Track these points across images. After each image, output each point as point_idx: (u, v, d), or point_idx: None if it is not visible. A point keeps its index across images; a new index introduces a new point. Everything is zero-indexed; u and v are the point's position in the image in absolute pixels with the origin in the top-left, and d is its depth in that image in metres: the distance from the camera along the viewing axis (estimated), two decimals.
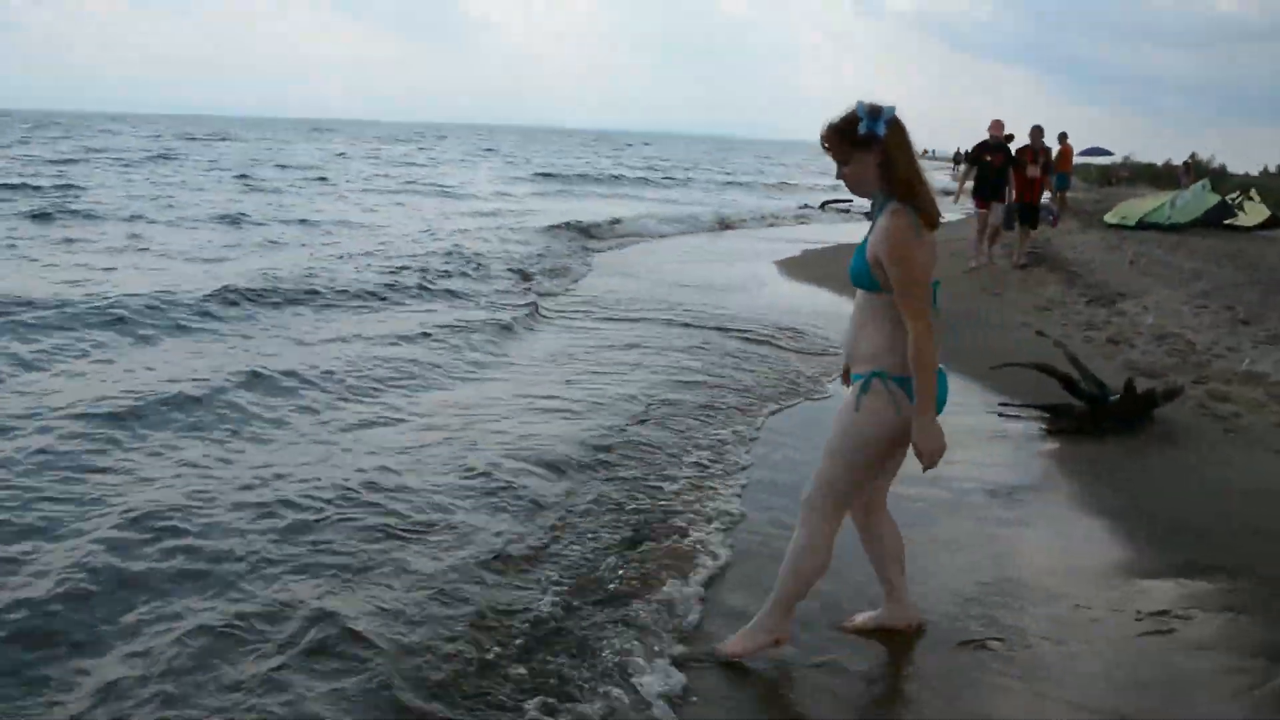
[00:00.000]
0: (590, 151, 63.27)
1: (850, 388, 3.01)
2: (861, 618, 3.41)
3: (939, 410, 2.88)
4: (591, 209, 21.99)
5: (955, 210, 25.73)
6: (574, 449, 5.22)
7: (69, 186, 20.09)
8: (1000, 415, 6.22)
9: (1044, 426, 5.98)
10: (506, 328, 8.54)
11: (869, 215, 2.96)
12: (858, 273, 2.91)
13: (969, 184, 13.35)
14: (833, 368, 7.25)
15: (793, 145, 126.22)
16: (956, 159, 61.96)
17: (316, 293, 9.53)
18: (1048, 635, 3.42)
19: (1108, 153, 47.08)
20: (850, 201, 26.46)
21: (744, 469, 5.15)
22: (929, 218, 2.84)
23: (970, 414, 6.28)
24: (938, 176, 48.62)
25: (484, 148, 56.67)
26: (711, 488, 4.81)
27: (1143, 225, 18.58)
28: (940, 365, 2.89)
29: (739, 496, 4.72)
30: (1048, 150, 13.30)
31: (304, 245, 13.36)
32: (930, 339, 2.79)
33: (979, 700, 3.05)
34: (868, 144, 2.80)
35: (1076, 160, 35.79)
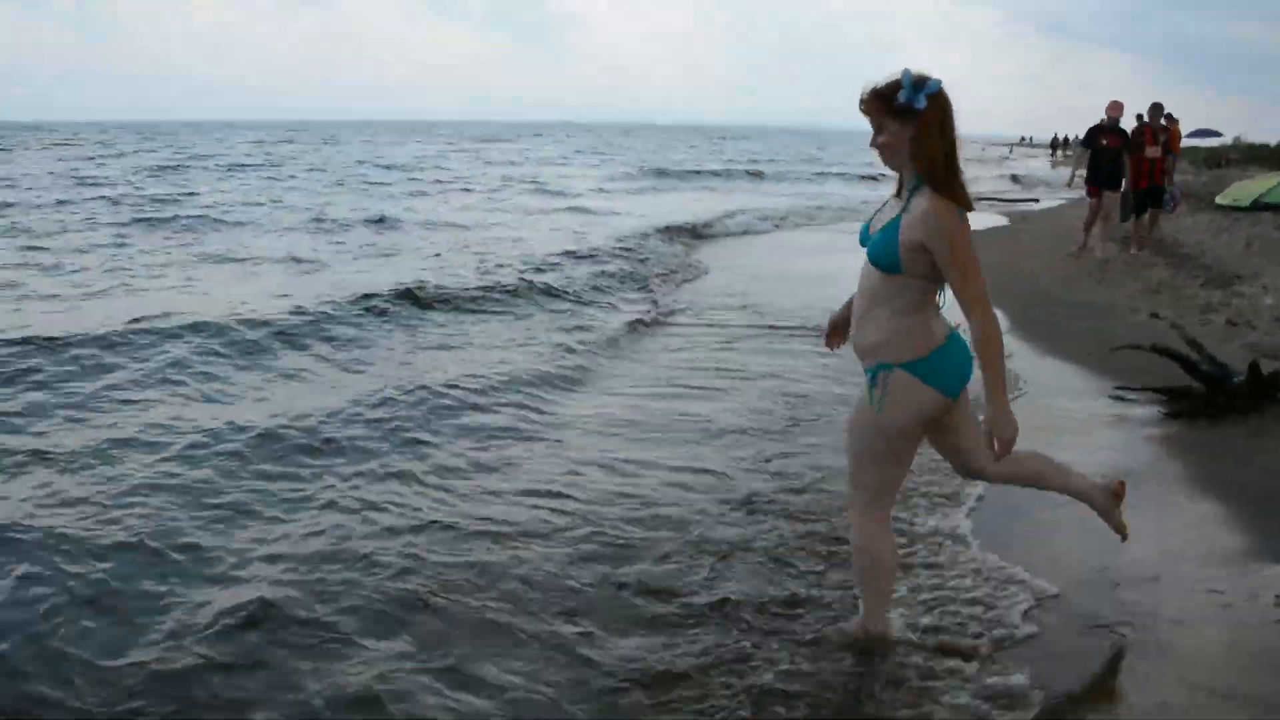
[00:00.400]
0: (689, 146, 62.53)
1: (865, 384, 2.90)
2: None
3: (964, 382, 2.84)
4: (709, 204, 21.96)
5: (1055, 197, 25.13)
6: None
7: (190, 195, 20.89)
8: (1117, 399, 6.02)
9: (1162, 409, 5.77)
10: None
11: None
12: (883, 252, 2.77)
13: (1081, 171, 12.48)
14: None
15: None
16: (1054, 145, 60.36)
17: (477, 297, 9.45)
18: (1180, 619, 3.31)
19: (1216, 134, 45.20)
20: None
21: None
22: (967, 203, 2.74)
23: (1086, 399, 6.11)
24: (1033, 164, 47.68)
25: (583, 147, 55.35)
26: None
27: (1258, 206, 17.73)
28: (954, 330, 2.83)
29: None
30: (1168, 129, 12.15)
31: (438, 254, 12.90)
32: (997, 325, 2.70)
33: (1116, 683, 2.97)
34: (905, 115, 2.69)
35: (1184, 143, 34.51)
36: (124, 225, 15.42)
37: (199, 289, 10.02)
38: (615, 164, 38.85)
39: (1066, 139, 58.86)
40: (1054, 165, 47.41)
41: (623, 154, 49.19)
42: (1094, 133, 12.03)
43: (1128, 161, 11.87)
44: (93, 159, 35.03)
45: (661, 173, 34.18)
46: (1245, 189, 19.33)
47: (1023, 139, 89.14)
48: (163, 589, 3.48)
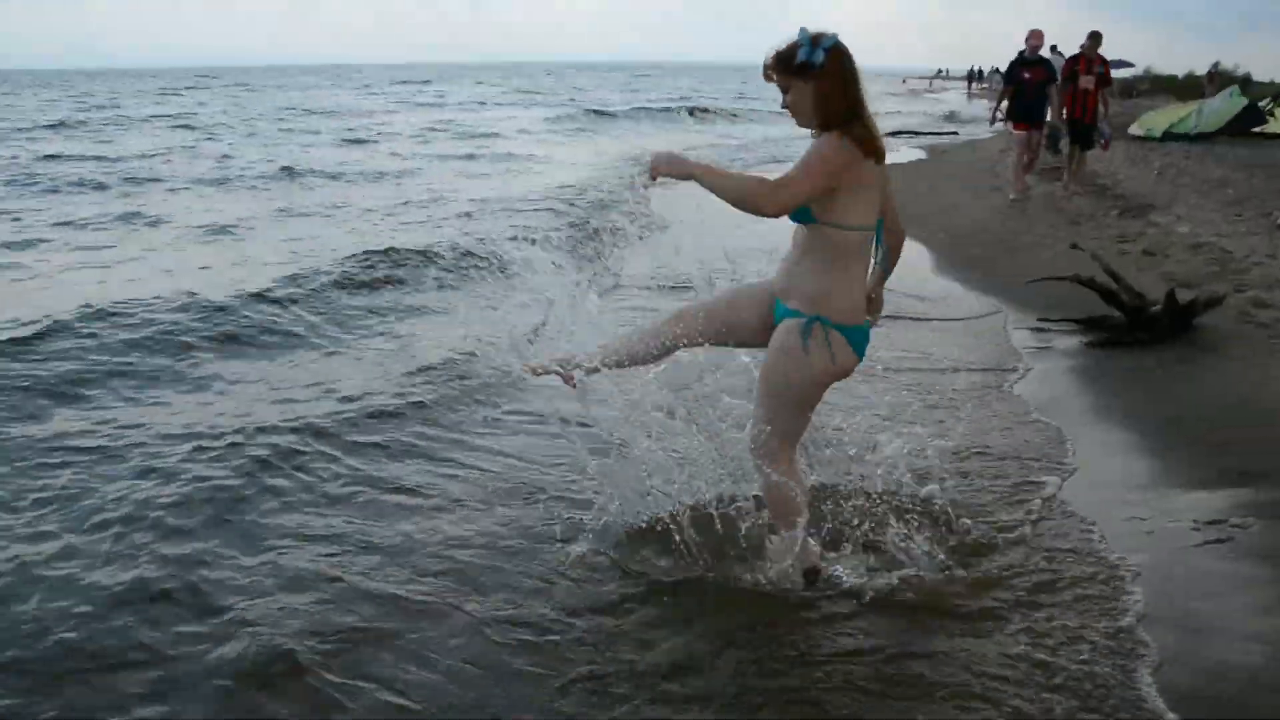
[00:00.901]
0: (620, 85, 60.31)
1: (783, 323, 2.93)
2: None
3: (860, 358, 2.96)
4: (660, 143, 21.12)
5: (981, 130, 25.35)
6: None
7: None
8: (1039, 330, 6.11)
9: (1083, 340, 5.86)
10: None
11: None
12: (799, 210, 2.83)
13: (1003, 108, 11.82)
14: None
15: None
16: (970, 77, 60.86)
17: None
18: (1106, 549, 3.36)
19: (1128, 64, 46.06)
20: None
21: None
22: (870, 145, 2.77)
23: (1009, 331, 6.20)
24: (951, 96, 48.08)
25: (509, 89, 51.29)
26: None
27: (1169, 136, 18.20)
28: (869, 320, 3.00)
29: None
30: (1104, 59, 11.36)
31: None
32: (766, 198, 2.70)
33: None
34: (806, 73, 2.73)
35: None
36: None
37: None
38: (548, 106, 35.96)
39: (981, 71, 59.47)
40: (969, 98, 47.91)
41: (553, 95, 46.45)
42: (1016, 66, 11.35)
43: (1056, 94, 11.28)
44: None
45: (600, 113, 31.77)
46: (1156, 119, 19.79)
47: (940, 71, 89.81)
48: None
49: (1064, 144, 11.89)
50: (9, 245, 9.14)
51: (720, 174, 2.80)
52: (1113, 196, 11.06)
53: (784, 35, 2.81)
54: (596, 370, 3.14)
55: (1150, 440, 4.36)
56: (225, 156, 17.71)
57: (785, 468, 3.02)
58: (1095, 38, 11.28)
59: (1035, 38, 11.32)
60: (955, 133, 24.94)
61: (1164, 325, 5.74)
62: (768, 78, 2.82)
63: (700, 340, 3.10)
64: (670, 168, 2.81)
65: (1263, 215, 9.33)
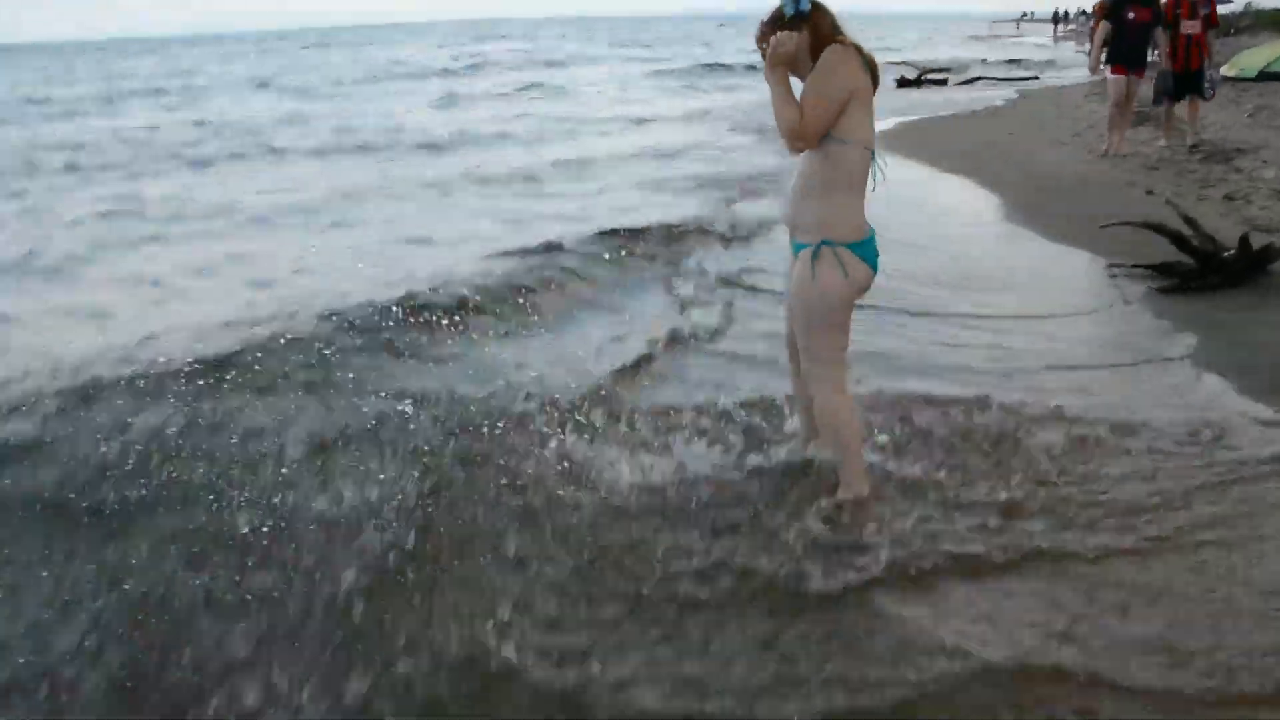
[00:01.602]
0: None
1: (799, 257, 3.16)
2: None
3: (874, 271, 3.17)
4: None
5: (1067, 74, 24.57)
6: None
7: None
8: (1112, 276, 6.12)
9: (1153, 285, 5.86)
10: None
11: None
12: None
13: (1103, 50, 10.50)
14: None
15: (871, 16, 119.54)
16: (1055, 19, 58.77)
17: None
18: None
19: (1226, 0, 44.07)
20: (947, 71, 25.45)
21: None
22: (872, 63, 3.03)
23: (1082, 278, 6.21)
24: (1036, 40, 46.50)
25: (605, 43, 49.63)
26: None
27: (1265, 76, 17.43)
28: (872, 231, 3.15)
29: None
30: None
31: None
32: (793, 132, 2.98)
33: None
34: (795, 24, 3.02)
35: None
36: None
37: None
38: (662, 63, 34.20)
39: (1067, 14, 57.38)
40: (1056, 40, 46.33)
41: (655, 50, 44.53)
42: (1120, 3, 10.05)
43: (1162, 38, 10.20)
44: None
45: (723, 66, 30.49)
46: (1251, 58, 18.95)
47: (1024, 14, 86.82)
48: None
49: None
50: None
51: (783, 98, 3.01)
52: (1194, 138, 10.75)
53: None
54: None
55: (1221, 383, 4.37)
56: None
57: (835, 390, 3.25)
58: None
59: None
60: (1036, 77, 24.23)
61: (1237, 270, 5.71)
62: (761, 39, 3.09)
63: None
64: (775, 57, 3.01)
65: None
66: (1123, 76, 10.25)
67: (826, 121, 2.97)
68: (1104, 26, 10.34)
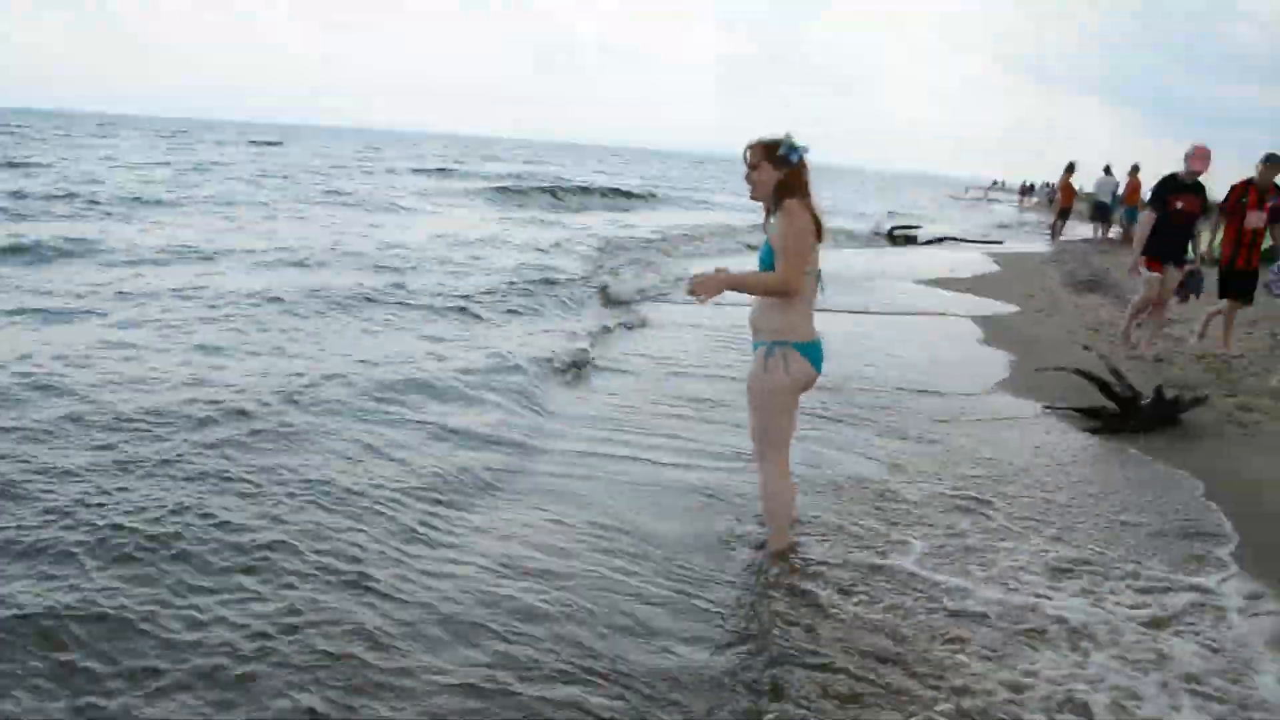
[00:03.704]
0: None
1: (756, 354, 4.02)
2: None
3: (818, 371, 4.00)
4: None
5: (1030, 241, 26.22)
6: None
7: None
8: (1046, 413, 7.03)
9: (1081, 426, 6.77)
10: None
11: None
12: (764, 256, 3.91)
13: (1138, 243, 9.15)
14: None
15: (848, 171, 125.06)
16: (1022, 191, 62.05)
17: None
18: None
19: None
20: (917, 228, 27.14)
21: None
22: (819, 229, 3.87)
23: (1023, 416, 7.12)
24: (1002, 209, 49.26)
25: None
26: None
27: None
28: (819, 337, 3.97)
29: None
30: (1278, 187, 8.93)
31: None
32: (785, 288, 3.81)
33: None
34: (780, 164, 3.84)
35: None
36: None
37: None
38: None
39: (1033, 186, 60.86)
40: (1022, 210, 49.12)
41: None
42: (1166, 190, 8.87)
43: (1221, 229, 9.31)
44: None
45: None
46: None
47: (995, 182, 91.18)
48: None
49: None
50: None
51: (746, 279, 3.89)
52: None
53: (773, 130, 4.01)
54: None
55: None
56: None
57: (777, 472, 4.11)
58: (1273, 163, 8.76)
59: (1200, 158, 8.80)
60: (1001, 241, 25.87)
61: (1151, 416, 6.65)
62: (747, 156, 3.87)
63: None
64: (711, 288, 3.78)
65: (1270, 334, 10.16)
66: (1158, 275, 9.04)
67: (803, 269, 3.83)
68: (1148, 216, 9.02)
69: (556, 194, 29.65)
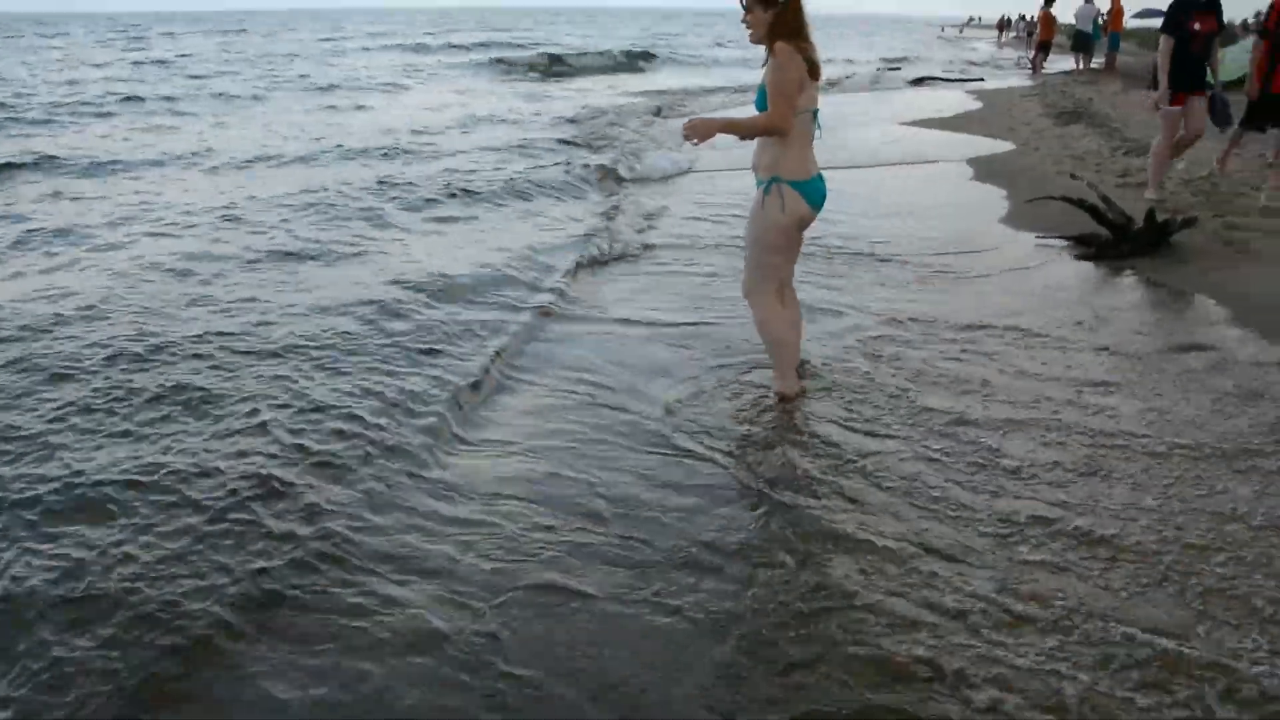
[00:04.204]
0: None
1: (755, 192, 4.04)
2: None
3: (817, 208, 4.02)
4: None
5: (999, 78, 25.72)
6: None
7: None
8: (1037, 245, 7.03)
9: (1073, 253, 6.77)
10: None
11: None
12: (758, 98, 3.87)
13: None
14: None
15: (823, 17, 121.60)
16: (1000, 26, 60.63)
17: None
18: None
19: (1163, 14, 45.89)
20: (897, 68, 26.57)
21: None
22: (813, 68, 3.83)
23: (1017, 246, 7.11)
24: (980, 45, 48.20)
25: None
26: None
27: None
28: (820, 172, 3.98)
29: None
30: None
31: None
32: (774, 128, 3.80)
33: None
34: (769, 4, 3.79)
35: (1131, 23, 35.13)
36: None
37: None
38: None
39: (1010, 20, 59.29)
40: (1000, 46, 47.93)
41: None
42: (1182, 9, 7.96)
43: (1254, 53, 8.42)
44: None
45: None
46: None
47: (970, 19, 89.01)
48: None
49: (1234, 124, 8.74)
50: None
51: (739, 123, 3.87)
52: (1121, 138, 11.80)
53: None
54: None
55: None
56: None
57: (767, 304, 4.15)
58: None
59: None
60: (982, 79, 25.38)
61: (1143, 240, 6.65)
62: (746, 7, 3.82)
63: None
64: (705, 131, 3.80)
65: (1258, 155, 10.09)
66: (1179, 109, 8.09)
67: (791, 108, 3.79)
68: (1166, 43, 8.01)
69: (555, 62, 28.88)
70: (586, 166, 10.88)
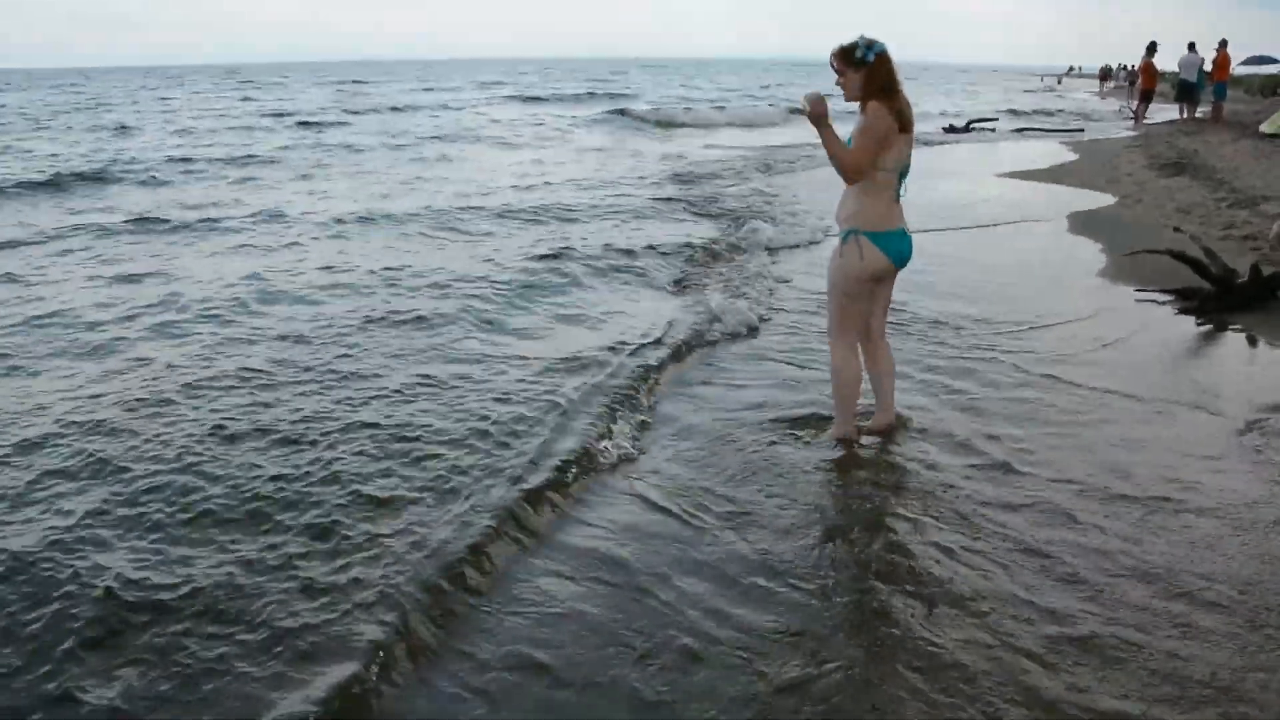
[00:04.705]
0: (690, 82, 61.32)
1: (836, 241, 4.23)
2: (866, 425, 4.56)
3: (902, 261, 4.21)
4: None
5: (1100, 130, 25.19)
6: None
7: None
8: (1137, 300, 7.01)
9: (1175, 307, 6.75)
10: None
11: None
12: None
13: None
14: None
15: (922, 66, 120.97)
16: (1103, 75, 59.54)
17: None
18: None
19: (1273, 60, 44.59)
20: (995, 121, 26.46)
21: None
22: (904, 122, 4.01)
23: (1113, 300, 7.12)
24: (1079, 95, 47.36)
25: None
26: None
27: None
28: (904, 228, 4.16)
29: None
30: None
31: None
32: (845, 166, 3.98)
33: None
34: (859, 66, 3.98)
35: (1238, 70, 34.23)
36: None
37: None
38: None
39: (1112, 69, 58.22)
40: (1103, 96, 46.94)
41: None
42: None
43: None
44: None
45: None
46: None
47: (1071, 69, 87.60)
48: None
49: None
50: None
51: (835, 141, 4.01)
52: (1228, 190, 11.60)
53: (849, 34, 4.16)
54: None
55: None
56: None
57: (842, 352, 4.35)
58: None
59: None
60: (1082, 129, 25.04)
61: (1249, 295, 6.59)
62: (832, 63, 4.03)
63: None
64: (817, 109, 3.93)
65: None
66: None
67: (869, 162, 4.01)
68: None
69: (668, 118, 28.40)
70: None
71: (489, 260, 8.63)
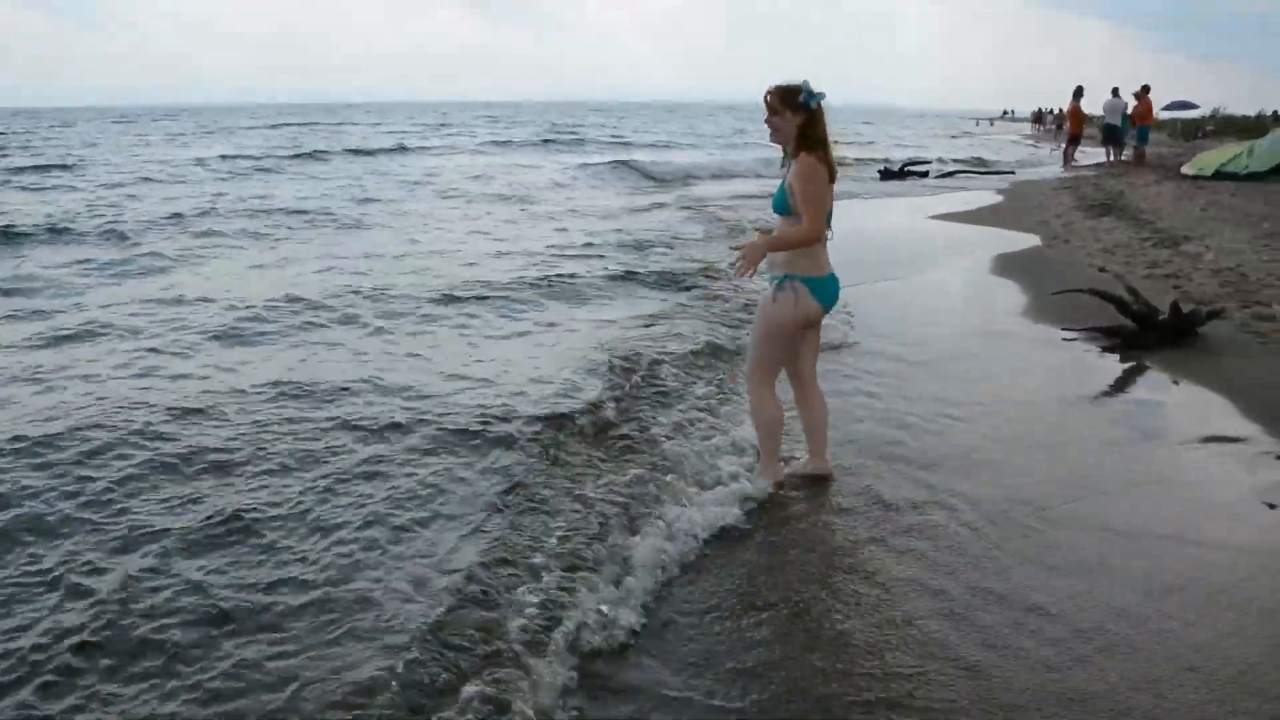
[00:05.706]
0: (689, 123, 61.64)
1: (768, 287, 4.21)
2: (790, 468, 4.50)
3: (832, 304, 4.21)
4: None
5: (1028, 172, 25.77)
6: None
7: None
8: (1063, 339, 7.09)
9: (1100, 345, 6.83)
10: None
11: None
12: (778, 202, 4.09)
13: None
14: None
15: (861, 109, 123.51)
16: (1036, 118, 61.39)
17: None
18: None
19: (1193, 106, 46.37)
20: (929, 164, 26.99)
21: None
22: (831, 172, 4.02)
23: (1039, 339, 7.19)
24: (1009, 138, 48.63)
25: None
26: None
27: (1220, 175, 18.81)
28: (833, 272, 4.15)
29: None
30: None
31: None
32: (812, 236, 3.99)
33: None
34: (798, 109, 3.98)
35: (1161, 115, 35.48)
36: None
37: None
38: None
39: (1046, 112, 59.98)
40: (1037, 141, 47.93)
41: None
42: None
43: None
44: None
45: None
46: (1209, 158, 20.44)
47: (1005, 112, 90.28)
48: None
49: None
50: None
51: (781, 239, 4.06)
52: (1151, 230, 11.89)
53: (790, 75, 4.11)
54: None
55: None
56: None
57: (761, 393, 4.32)
58: None
59: None
60: (1013, 172, 25.53)
61: (1170, 331, 6.70)
62: (767, 101, 4.01)
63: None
64: (755, 257, 3.95)
65: None
66: None
67: (824, 218, 4.00)
68: None
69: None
70: None
71: None
